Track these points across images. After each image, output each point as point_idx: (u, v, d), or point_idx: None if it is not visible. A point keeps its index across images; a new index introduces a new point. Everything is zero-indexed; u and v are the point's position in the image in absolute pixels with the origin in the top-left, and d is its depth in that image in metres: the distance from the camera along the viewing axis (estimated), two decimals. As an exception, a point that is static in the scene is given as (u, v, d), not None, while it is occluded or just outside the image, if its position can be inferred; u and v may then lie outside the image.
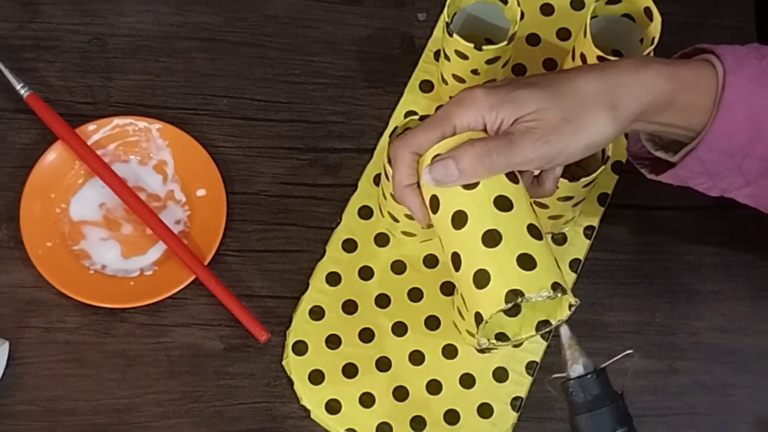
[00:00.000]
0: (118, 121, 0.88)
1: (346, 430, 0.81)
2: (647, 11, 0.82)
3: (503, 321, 0.69)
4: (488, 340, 0.69)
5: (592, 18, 0.82)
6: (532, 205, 0.69)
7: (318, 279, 0.85)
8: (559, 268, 0.67)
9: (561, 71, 0.70)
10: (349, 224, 0.86)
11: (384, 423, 0.81)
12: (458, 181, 0.68)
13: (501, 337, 0.70)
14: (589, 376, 0.66)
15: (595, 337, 0.85)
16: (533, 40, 0.92)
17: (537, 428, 0.83)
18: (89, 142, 0.87)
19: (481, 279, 0.66)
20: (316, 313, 0.84)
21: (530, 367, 0.83)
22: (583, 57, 0.83)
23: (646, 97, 0.68)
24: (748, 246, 0.88)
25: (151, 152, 0.88)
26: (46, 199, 0.86)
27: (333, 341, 0.83)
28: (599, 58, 0.81)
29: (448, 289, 0.85)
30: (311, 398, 0.82)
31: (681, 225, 0.89)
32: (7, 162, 0.88)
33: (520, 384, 0.82)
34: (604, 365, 0.66)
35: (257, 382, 0.83)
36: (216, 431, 0.82)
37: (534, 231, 0.67)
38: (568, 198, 0.80)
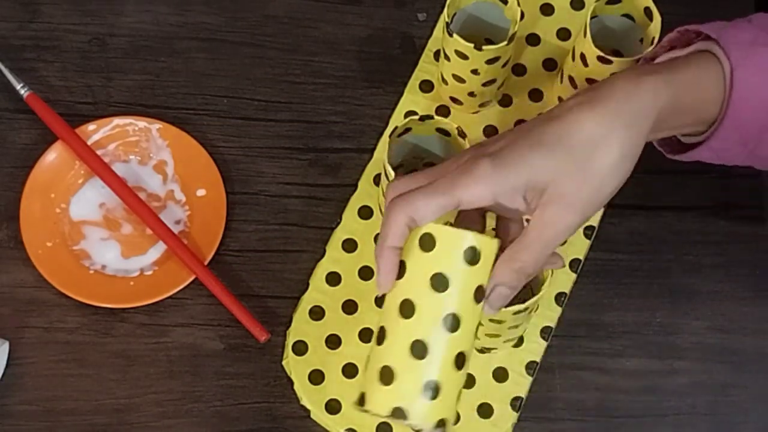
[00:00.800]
0: (118, 121, 0.88)
1: (346, 430, 0.81)
2: (647, 11, 0.82)
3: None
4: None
5: (592, 18, 0.82)
6: (477, 329, 0.66)
7: (318, 279, 0.85)
8: (457, 400, 0.65)
9: (555, 116, 0.66)
10: (349, 224, 0.86)
11: (384, 423, 0.81)
12: (511, 296, 0.66)
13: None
14: None
15: (595, 337, 0.85)
16: (533, 40, 0.92)
17: (537, 428, 0.83)
18: (89, 142, 0.87)
19: (387, 375, 0.63)
20: (316, 313, 0.84)
21: (530, 367, 0.83)
22: (582, 57, 0.83)
23: (651, 116, 0.66)
24: (748, 246, 0.88)
25: (151, 152, 0.88)
26: (46, 199, 0.86)
27: (333, 341, 0.83)
28: (599, 58, 0.81)
29: (448, 289, 0.85)
30: (311, 398, 0.82)
31: (681, 225, 0.89)
32: (7, 162, 0.88)
33: (520, 384, 0.82)
34: None
35: (257, 382, 0.83)
36: (216, 431, 0.82)
37: (459, 360, 0.64)
38: None
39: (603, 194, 0.66)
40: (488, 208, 0.67)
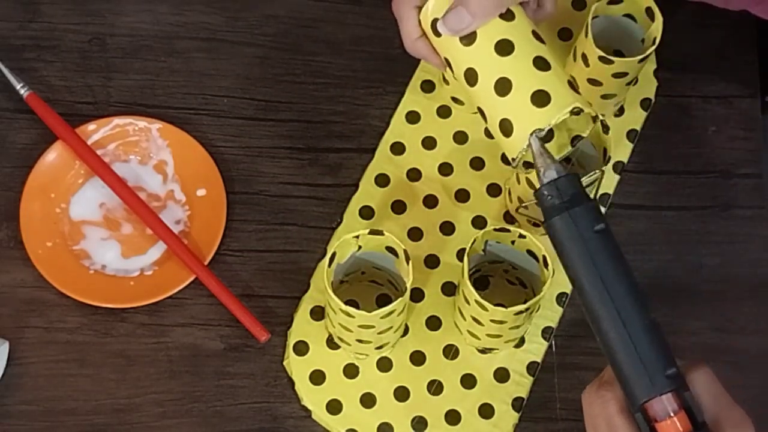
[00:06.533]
0: (118, 121, 0.88)
1: (347, 430, 0.81)
2: (649, 11, 0.82)
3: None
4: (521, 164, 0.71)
5: (593, 18, 0.82)
6: (535, 34, 0.70)
7: (318, 279, 0.85)
8: (574, 88, 0.69)
9: None
10: (351, 224, 0.86)
11: (385, 423, 0.81)
12: (473, 25, 0.69)
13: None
14: (562, 178, 0.65)
15: (595, 337, 0.85)
16: (533, 40, 0.92)
17: (538, 428, 0.83)
18: (89, 142, 0.87)
19: (506, 127, 0.69)
20: (317, 313, 0.84)
21: (531, 367, 0.83)
22: (584, 57, 0.83)
23: None
24: (748, 246, 0.88)
25: (151, 152, 0.88)
26: (46, 199, 0.86)
27: (334, 341, 0.83)
28: (600, 58, 0.81)
29: (449, 289, 0.85)
30: (312, 398, 0.82)
31: (681, 225, 0.89)
32: (7, 162, 0.88)
33: (521, 384, 0.82)
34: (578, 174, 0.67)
35: (257, 382, 0.83)
36: (216, 431, 0.82)
37: (540, 63, 0.68)
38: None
39: None
40: None
